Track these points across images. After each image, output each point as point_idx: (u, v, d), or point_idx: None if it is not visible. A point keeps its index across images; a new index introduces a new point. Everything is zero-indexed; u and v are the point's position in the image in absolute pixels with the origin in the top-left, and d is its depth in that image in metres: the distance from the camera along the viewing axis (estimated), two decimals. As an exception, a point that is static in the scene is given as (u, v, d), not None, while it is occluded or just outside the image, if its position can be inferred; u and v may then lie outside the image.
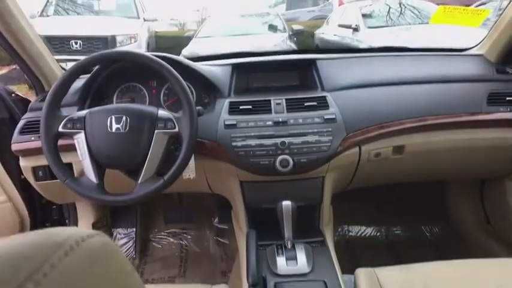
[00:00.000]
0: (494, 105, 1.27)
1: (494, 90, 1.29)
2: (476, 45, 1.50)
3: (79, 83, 1.20)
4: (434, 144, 1.29)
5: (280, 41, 5.71)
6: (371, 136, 1.23)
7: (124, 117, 1.03)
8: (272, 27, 6.55)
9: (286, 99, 1.25)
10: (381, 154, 1.28)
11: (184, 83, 1.06)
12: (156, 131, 1.04)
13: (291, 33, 6.12)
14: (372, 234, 1.90)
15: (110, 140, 1.02)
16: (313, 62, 1.38)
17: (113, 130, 1.02)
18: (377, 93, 1.30)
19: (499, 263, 1.03)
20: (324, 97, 1.26)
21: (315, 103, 1.23)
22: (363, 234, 1.89)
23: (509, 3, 1.30)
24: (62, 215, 1.71)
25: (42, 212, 1.63)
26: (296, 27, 6.44)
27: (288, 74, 1.44)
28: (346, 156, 1.23)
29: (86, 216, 1.70)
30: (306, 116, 1.20)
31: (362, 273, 1.00)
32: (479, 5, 6.37)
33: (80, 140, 1.03)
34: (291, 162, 1.14)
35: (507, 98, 1.27)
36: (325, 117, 1.19)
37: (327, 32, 7.03)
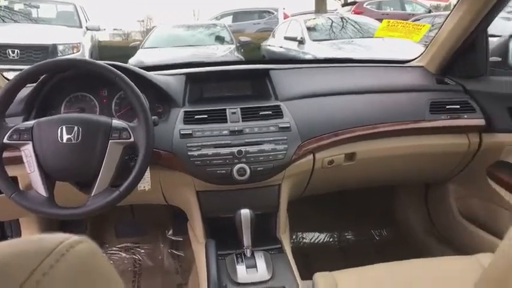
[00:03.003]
0: (436, 113, 1.35)
1: (435, 99, 1.38)
2: (417, 58, 1.61)
3: (24, 92, 1.13)
4: (383, 151, 1.36)
5: (228, 52, 5.76)
6: (324, 144, 1.26)
7: (76, 128, 0.98)
8: (219, 39, 6.60)
9: (241, 108, 1.26)
10: (333, 161, 1.32)
11: (139, 91, 1.03)
12: (110, 141, 1.00)
13: (238, 44, 6.19)
14: (325, 240, 1.95)
15: (61, 151, 0.97)
16: (266, 72, 1.40)
17: (64, 141, 0.97)
18: (329, 102, 1.34)
19: (446, 260, 1.10)
20: (278, 106, 1.28)
21: (269, 112, 1.25)
22: (316, 241, 1.93)
23: (445, 20, 1.41)
24: (4, 233, 1.58)
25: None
26: (243, 38, 6.53)
27: (241, 84, 1.45)
28: (301, 164, 1.25)
29: (30, 233, 1.57)
30: (261, 125, 1.21)
31: (320, 277, 1.02)
32: (414, 20, 6.87)
33: (27, 151, 0.97)
34: (248, 170, 1.14)
35: (447, 107, 1.36)
36: (280, 125, 1.21)
37: (273, 44, 7.20)
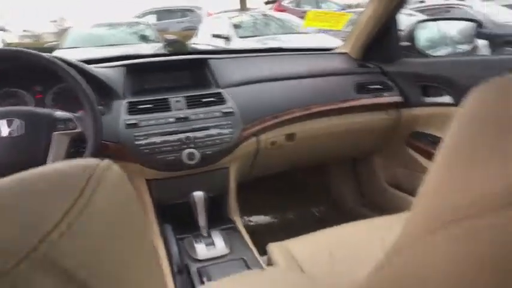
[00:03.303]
0: (361, 93, 1.52)
1: (359, 81, 1.54)
2: (340, 46, 1.77)
3: None
4: (318, 130, 1.49)
5: (154, 51, 5.64)
6: (266, 126, 1.35)
7: (17, 121, 0.96)
8: (144, 37, 6.46)
9: (184, 97, 1.30)
10: (276, 142, 1.41)
11: (83, 81, 1.03)
12: (55, 133, 0.99)
13: (165, 43, 6.09)
14: (270, 220, 2.05)
15: (3, 145, 0.94)
16: (205, 61, 1.46)
17: (5, 134, 0.94)
18: (267, 87, 1.43)
19: (381, 220, 1.25)
20: (220, 93, 1.34)
21: (212, 99, 1.31)
22: (262, 222, 2.03)
23: (364, 11, 1.58)
24: None
25: None
26: (169, 37, 6.43)
27: (181, 74, 1.48)
28: (246, 146, 1.33)
29: None
30: (206, 111, 1.27)
31: (274, 247, 1.10)
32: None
33: None
34: (198, 155, 1.19)
35: (369, 87, 1.53)
36: (224, 111, 1.28)
37: (200, 42, 7.19)
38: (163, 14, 10.51)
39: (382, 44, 1.61)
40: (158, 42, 6.15)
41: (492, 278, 0.46)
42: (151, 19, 9.83)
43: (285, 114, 1.38)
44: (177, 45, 6.70)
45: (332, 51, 1.76)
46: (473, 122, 0.48)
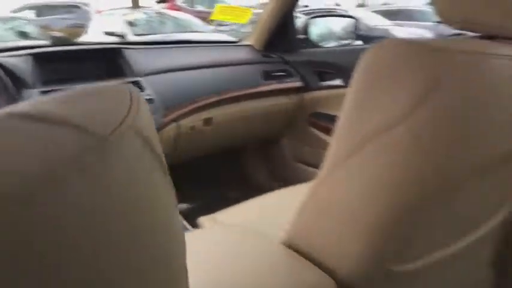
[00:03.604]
0: (267, 80, 1.69)
1: (264, 69, 1.71)
2: (245, 38, 1.92)
3: None
4: (232, 114, 1.62)
5: (38, 49, 5.19)
6: (185, 112, 1.43)
7: None
8: (23, 34, 5.93)
9: None
10: (195, 127, 1.50)
11: None
12: None
13: (50, 40, 5.63)
14: (193, 206, 2.11)
15: None
16: (118, 50, 1.47)
17: None
18: (182, 76, 1.51)
19: (299, 188, 1.40)
20: (138, 81, 1.38)
21: None
22: (184, 207, 2.08)
23: (265, 8, 1.76)
24: None
25: None
26: (55, 34, 5.91)
27: (93, 64, 1.47)
28: (168, 131, 1.39)
29: None
30: None
31: (205, 219, 1.19)
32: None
33: None
34: None
35: (274, 74, 1.71)
36: (144, 98, 1.32)
37: (92, 40, 6.79)
38: (43, 9, 9.58)
39: (281, 37, 1.81)
40: (42, 39, 5.66)
41: (390, 191, 0.63)
42: (30, 15, 8.93)
43: (201, 100, 1.48)
44: (64, 43, 6.24)
45: (238, 44, 1.90)
46: (365, 75, 0.65)
